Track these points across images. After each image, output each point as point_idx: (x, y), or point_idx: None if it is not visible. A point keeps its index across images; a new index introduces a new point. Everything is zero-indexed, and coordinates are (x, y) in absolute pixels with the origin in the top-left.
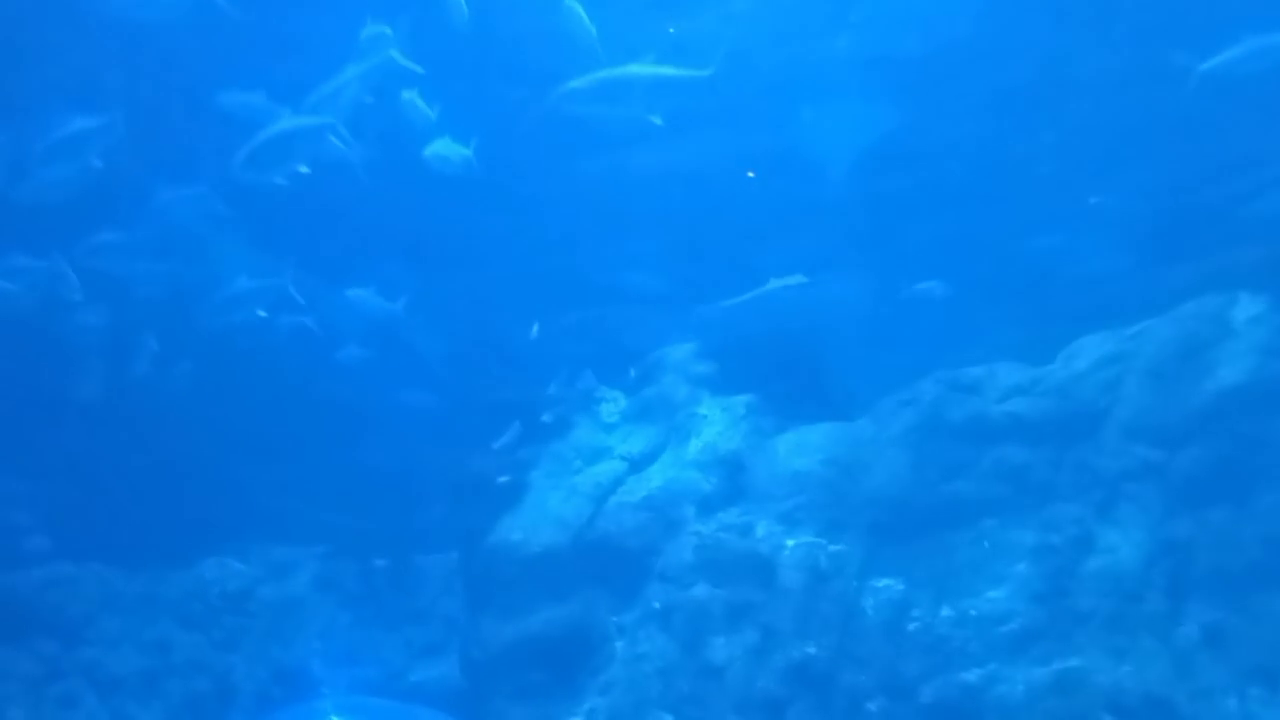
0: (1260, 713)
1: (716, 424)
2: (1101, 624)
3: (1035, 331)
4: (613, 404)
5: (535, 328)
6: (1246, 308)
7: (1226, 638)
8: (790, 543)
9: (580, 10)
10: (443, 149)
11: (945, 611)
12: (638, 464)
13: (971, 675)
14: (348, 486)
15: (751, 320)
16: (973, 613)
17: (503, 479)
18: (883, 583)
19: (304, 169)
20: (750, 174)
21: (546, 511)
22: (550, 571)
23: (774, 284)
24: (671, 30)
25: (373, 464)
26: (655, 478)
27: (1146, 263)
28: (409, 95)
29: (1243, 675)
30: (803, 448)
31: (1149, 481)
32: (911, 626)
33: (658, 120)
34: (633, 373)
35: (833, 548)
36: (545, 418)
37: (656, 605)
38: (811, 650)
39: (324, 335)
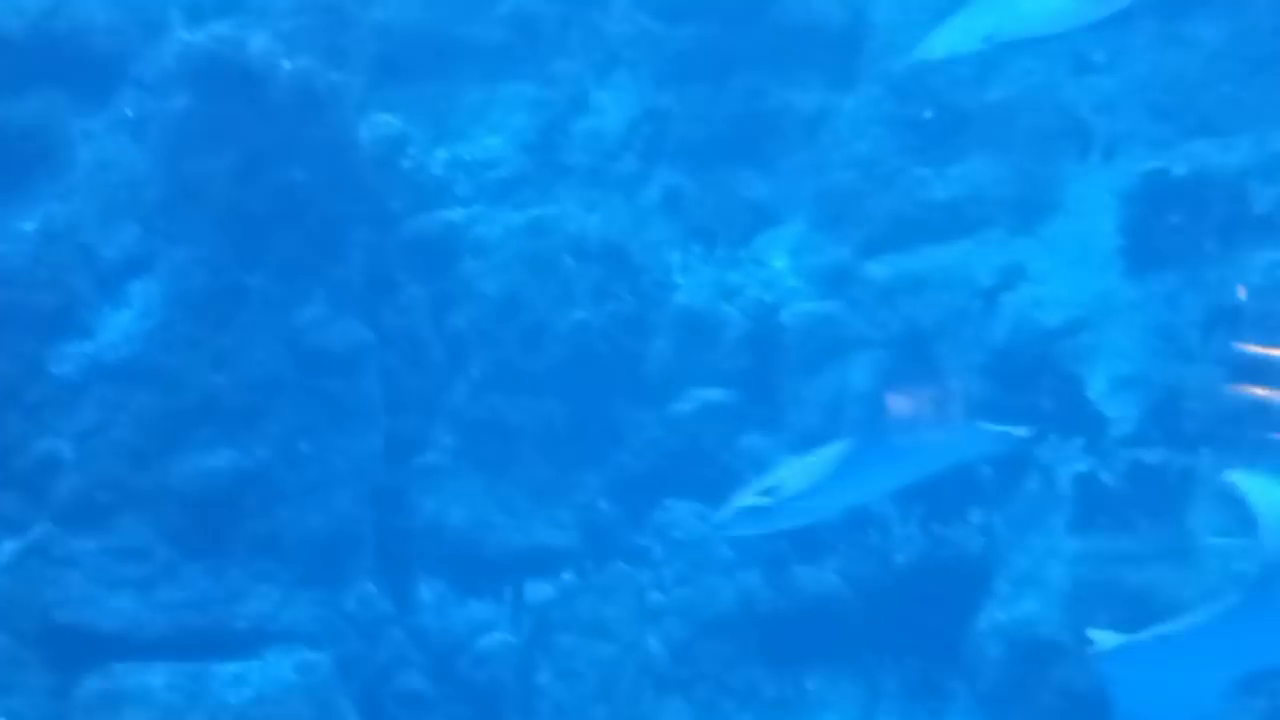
0: (696, 265)
1: None
2: (580, 178)
3: None
4: None
5: None
6: None
7: (681, 201)
8: (287, 64)
9: None
10: None
11: (440, 153)
12: None
13: (456, 214)
14: None
15: None
16: (466, 157)
17: None
18: (382, 118)
19: None
20: None
21: None
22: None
23: None
24: None
25: None
26: None
27: None
28: None
29: (688, 233)
30: None
31: (646, 51)
32: (405, 164)
33: None
34: None
35: (333, 75)
36: None
37: (129, 113)
38: (299, 175)
39: None
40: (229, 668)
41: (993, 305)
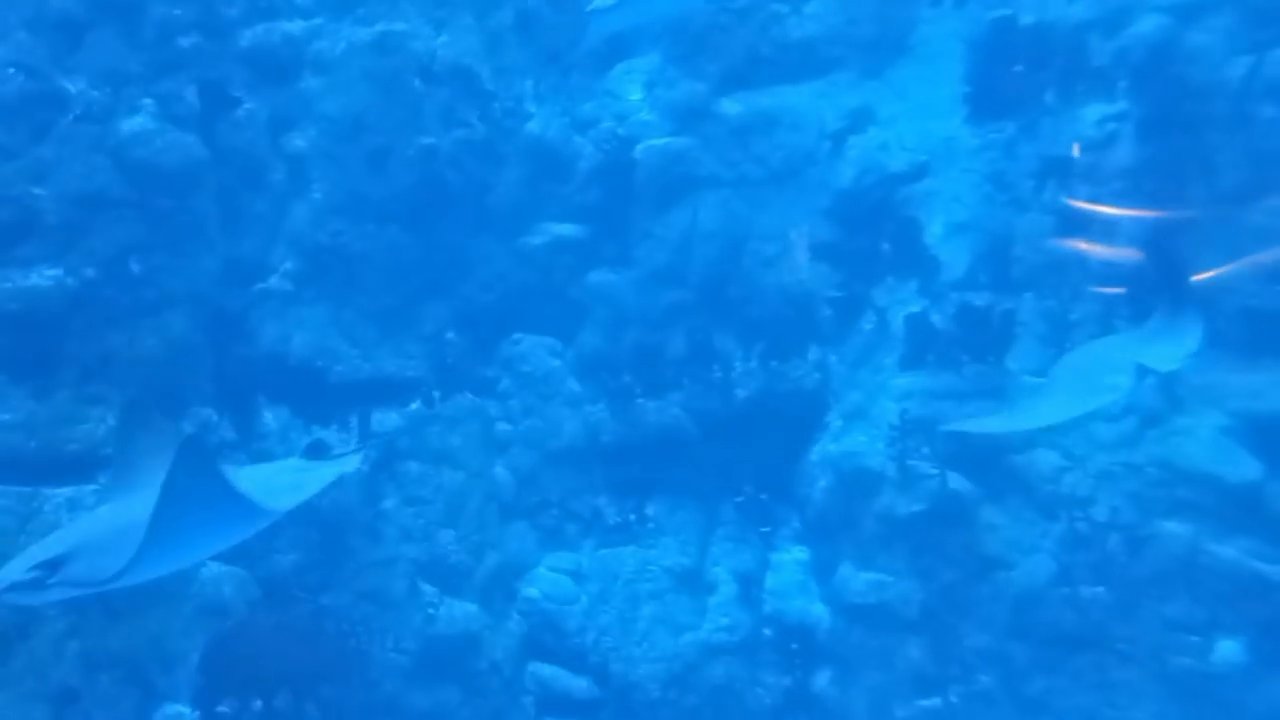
0: (548, 94)
1: None
2: None
3: None
4: None
5: None
6: None
7: (534, 24)
8: None
9: None
10: None
11: None
12: None
13: (295, 26)
14: None
15: None
16: None
17: None
18: None
19: None
20: None
21: None
22: None
23: None
24: None
25: None
26: None
27: None
28: None
29: (541, 60)
30: None
31: None
32: None
33: None
34: None
35: None
36: None
37: None
38: None
39: None
40: (62, 491)
41: (840, 148)
